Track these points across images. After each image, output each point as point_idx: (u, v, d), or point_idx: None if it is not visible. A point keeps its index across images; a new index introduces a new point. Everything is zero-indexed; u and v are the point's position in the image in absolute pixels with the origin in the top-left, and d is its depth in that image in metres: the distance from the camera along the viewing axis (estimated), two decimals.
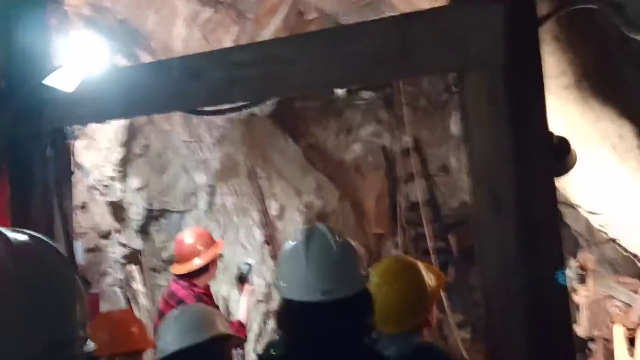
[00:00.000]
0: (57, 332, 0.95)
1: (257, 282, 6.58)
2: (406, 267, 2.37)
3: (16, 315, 0.91)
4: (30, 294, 0.93)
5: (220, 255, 4.21)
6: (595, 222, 4.55)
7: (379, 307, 1.96)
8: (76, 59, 3.00)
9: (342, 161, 10.41)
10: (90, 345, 1.02)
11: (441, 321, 8.60)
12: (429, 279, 2.39)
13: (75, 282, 1.03)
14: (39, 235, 1.04)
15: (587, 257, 4.80)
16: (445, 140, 9.78)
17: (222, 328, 2.50)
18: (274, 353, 2.82)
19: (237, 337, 2.80)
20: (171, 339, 2.36)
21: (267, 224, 7.36)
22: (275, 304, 6.31)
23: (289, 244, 1.90)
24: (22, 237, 1.01)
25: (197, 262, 3.90)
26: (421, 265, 2.40)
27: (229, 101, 2.76)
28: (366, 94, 10.33)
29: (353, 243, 1.92)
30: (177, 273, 3.93)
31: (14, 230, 1.01)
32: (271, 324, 6.28)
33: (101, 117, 3.02)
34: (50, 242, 1.06)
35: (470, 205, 2.44)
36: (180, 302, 3.74)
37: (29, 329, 0.91)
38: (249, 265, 4.26)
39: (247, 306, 4.13)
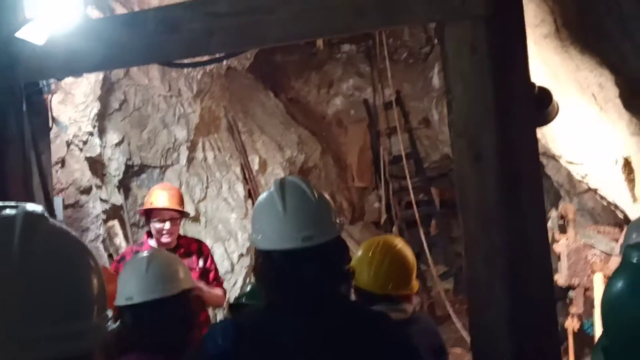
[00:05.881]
0: (66, 310, 0.92)
1: (241, 237, 6.60)
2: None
3: (21, 293, 0.88)
4: (36, 271, 0.90)
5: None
6: (575, 172, 4.58)
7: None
8: (48, 11, 2.91)
9: (323, 115, 10.37)
10: (109, 324, 1.00)
11: (424, 273, 8.73)
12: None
13: (85, 259, 1.00)
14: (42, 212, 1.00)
15: (567, 207, 4.85)
16: (427, 93, 9.76)
17: (188, 281, 2.45)
18: (245, 302, 2.82)
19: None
20: (138, 288, 2.30)
21: (250, 179, 7.35)
22: None
23: (263, 197, 1.89)
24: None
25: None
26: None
27: (207, 52, 2.71)
28: (346, 47, 10.24)
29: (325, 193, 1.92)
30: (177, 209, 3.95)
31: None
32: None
33: (75, 70, 2.96)
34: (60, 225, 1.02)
35: (452, 158, 2.43)
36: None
37: (35, 307, 0.88)
38: None
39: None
